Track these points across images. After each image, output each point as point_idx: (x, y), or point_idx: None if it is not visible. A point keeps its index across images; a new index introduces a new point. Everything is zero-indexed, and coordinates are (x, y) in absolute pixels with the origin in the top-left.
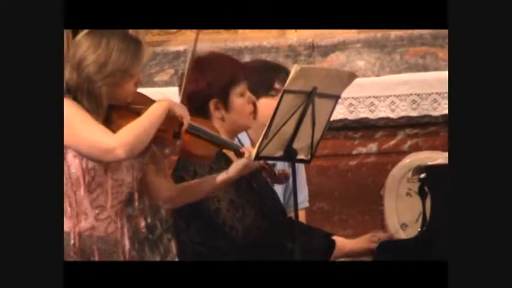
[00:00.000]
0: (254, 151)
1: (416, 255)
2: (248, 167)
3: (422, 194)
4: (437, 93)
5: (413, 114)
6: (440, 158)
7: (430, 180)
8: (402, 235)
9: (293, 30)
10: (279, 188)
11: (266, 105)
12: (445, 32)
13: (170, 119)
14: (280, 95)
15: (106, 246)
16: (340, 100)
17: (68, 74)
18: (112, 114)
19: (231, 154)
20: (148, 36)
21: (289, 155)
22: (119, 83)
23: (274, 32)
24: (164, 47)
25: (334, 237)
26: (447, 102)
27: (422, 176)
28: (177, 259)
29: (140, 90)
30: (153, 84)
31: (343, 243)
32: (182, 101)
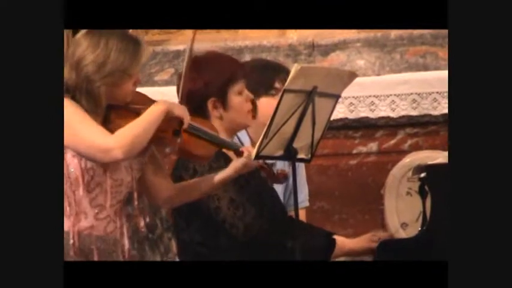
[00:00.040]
0: (254, 150)
1: (417, 255)
2: (247, 166)
3: (422, 193)
4: (437, 92)
5: (414, 113)
6: (441, 157)
7: (430, 179)
8: (402, 234)
9: (293, 30)
10: (279, 187)
11: (266, 104)
12: (445, 31)
13: (169, 119)
14: (280, 94)
15: (105, 246)
16: (340, 99)
17: (67, 74)
18: (111, 114)
19: (230, 153)
20: (148, 35)
21: (290, 154)
22: (117, 83)
23: (274, 31)
24: (164, 46)
25: (335, 237)
26: (447, 101)
27: (423, 175)
28: (177, 258)
29: (140, 89)
30: (153, 84)
31: (344, 243)
32: (180, 101)
